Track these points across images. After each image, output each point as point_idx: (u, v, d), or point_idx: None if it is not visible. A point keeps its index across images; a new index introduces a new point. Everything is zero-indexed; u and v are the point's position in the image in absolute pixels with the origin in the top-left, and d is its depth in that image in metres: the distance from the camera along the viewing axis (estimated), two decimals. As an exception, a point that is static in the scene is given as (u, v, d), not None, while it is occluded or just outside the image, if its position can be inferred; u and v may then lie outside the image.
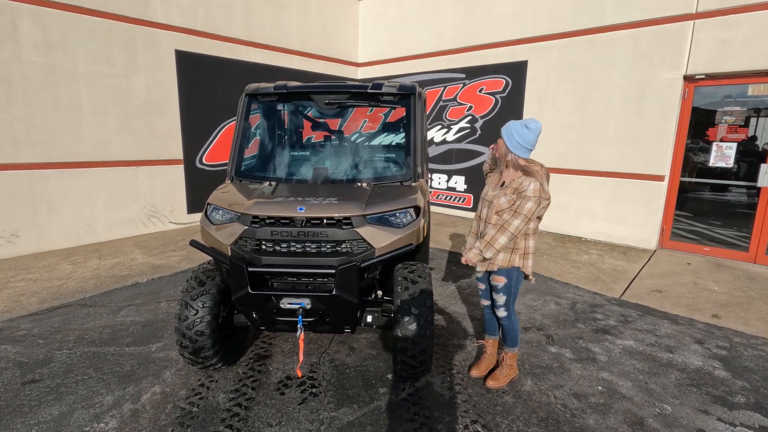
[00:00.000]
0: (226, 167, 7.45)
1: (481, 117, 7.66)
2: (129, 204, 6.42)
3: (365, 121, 5.01)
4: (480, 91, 7.57)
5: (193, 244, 2.74)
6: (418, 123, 3.26)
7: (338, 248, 2.58)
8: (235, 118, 7.44)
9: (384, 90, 3.23)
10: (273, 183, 3.04)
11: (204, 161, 7.22)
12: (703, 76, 5.46)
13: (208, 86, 7.05)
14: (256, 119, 3.52)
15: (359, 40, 9.56)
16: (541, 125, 2.51)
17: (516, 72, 7.09)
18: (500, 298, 2.70)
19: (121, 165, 6.24)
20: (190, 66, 6.76)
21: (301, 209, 2.55)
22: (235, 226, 2.63)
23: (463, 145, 8.00)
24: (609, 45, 6.07)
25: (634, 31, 5.83)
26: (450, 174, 8.31)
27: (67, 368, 2.99)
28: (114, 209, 6.26)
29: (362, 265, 2.49)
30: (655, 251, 5.98)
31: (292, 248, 2.58)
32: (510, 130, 2.50)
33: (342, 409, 2.58)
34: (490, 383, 2.79)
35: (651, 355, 3.27)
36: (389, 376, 2.93)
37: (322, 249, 2.58)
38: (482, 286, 2.88)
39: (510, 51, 7.12)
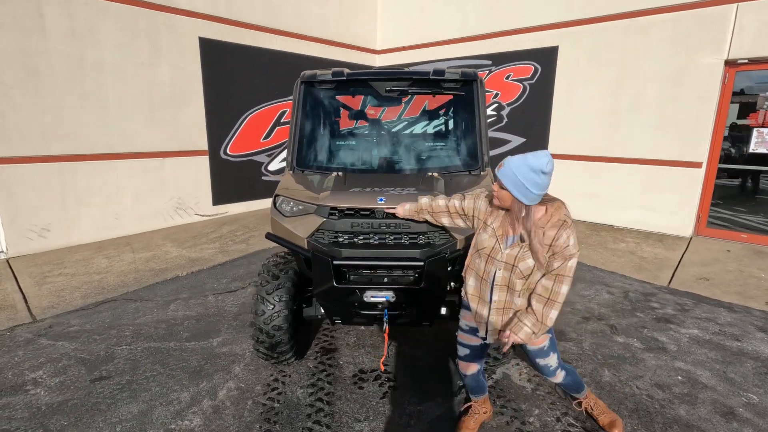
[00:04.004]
0: (250, 158, 7.38)
1: (508, 104, 7.54)
2: (156, 196, 6.31)
3: (403, 108, 4.89)
4: (507, 78, 7.44)
5: (270, 237, 2.66)
6: (482, 110, 3.17)
7: (419, 240, 2.50)
8: (258, 107, 7.36)
9: (447, 76, 3.12)
10: (340, 173, 2.95)
11: (228, 152, 7.09)
12: (746, 61, 5.36)
13: (231, 74, 6.90)
14: (312, 108, 3.40)
15: (378, 27, 9.37)
16: (552, 160, 1.76)
17: (546, 58, 6.95)
18: (551, 360, 2.12)
19: (147, 156, 6.12)
20: (213, 54, 6.60)
21: (381, 200, 2.47)
22: (310, 218, 2.55)
23: (490, 134, 7.89)
24: (645, 29, 5.94)
25: (672, 15, 5.70)
26: (474, 163, 8.19)
27: (132, 364, 2.93)
28: (141, 202, 6.15)
29: (449, 256, 2.43)
30: (691, 239, 5.94)
31: (370, 240, 2.50)
32: (519, 180, 1.74)
33: (426, 403, 2.53)
34: None
35: (719, 343, 3.23)
36: (463, 368, 2.89)
37: (403, 241, 2.50)
38: (473, 341, 2.13)
39: (539, 36, 6.97)
